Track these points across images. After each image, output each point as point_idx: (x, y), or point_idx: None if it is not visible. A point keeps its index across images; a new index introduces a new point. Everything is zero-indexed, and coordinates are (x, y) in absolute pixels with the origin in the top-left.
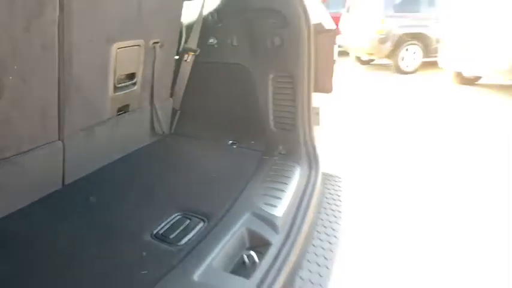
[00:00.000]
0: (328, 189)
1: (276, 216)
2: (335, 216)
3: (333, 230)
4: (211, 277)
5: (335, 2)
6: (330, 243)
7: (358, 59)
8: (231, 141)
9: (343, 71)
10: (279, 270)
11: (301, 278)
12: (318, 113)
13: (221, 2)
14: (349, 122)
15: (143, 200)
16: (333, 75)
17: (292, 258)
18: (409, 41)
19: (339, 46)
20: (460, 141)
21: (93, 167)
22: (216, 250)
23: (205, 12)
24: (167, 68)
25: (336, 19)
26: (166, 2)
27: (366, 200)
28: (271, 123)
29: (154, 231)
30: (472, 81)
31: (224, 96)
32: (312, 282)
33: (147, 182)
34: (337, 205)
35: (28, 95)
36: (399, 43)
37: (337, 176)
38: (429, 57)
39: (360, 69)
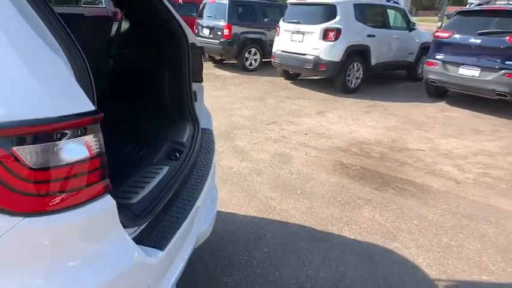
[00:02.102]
0: (205, 134)
1: (183, 141)
2: (210, 143)
3: (209, 146)
4: (160, 160)
5: (188, 7)
6: (208, 150)
7: (212, 58)
8: (142, 114)
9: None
10: (189, 158)
11: (199, 162)
12: (195, 94)
13: (131, 26)
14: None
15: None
16: (202, 72)
17: (194, 155)
18: (250, 44)
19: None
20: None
21: None
22: (160, 153)
23: (123, 29)
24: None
25: (190, 21)
26: (103, 30)
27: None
28: (168, 100)
29: (124, 151)
30: (294, 77)
31: (136, 85)
32: (205, 162)
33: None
34: (210, 140)
35: None
36: (243, 46)
37: (209, 129)
38: (266, 58)
39: (214, 68)
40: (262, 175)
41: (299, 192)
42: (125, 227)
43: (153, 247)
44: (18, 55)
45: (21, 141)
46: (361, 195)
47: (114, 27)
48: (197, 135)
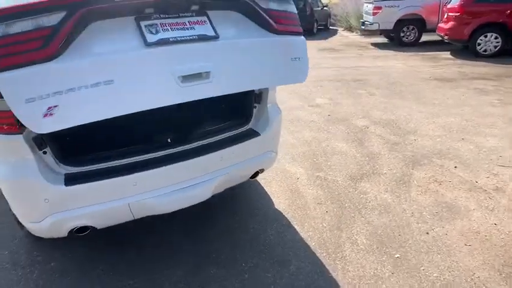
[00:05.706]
0: (249, 135)
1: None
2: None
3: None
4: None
5: None
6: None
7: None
8: (203, 112)
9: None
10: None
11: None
12: (259, 96)
13: None
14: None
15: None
16: None
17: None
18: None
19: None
20: None
21: None
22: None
23: None
24: None
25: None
26: None
27: None
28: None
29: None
30: None
31: None
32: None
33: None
34: (247, 139)
35: None
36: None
37: (257, 132)
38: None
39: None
40: (385, 216)
41: (396, 256)
42: (68, 165)
43: (63, 181)
44: None
45: None
46: None
47: None
48: (232, 133)
